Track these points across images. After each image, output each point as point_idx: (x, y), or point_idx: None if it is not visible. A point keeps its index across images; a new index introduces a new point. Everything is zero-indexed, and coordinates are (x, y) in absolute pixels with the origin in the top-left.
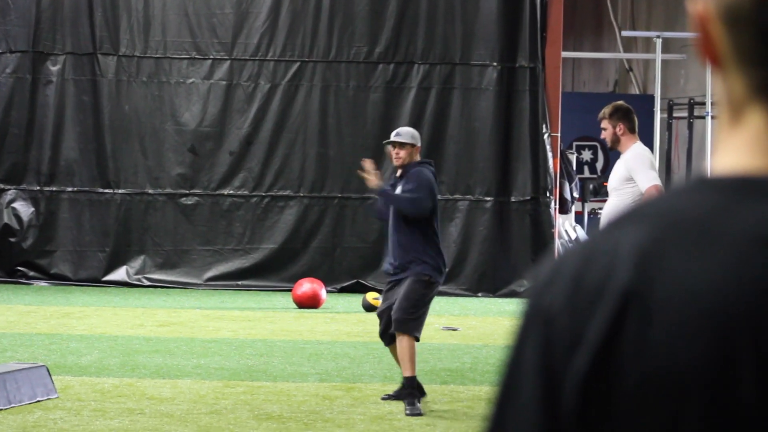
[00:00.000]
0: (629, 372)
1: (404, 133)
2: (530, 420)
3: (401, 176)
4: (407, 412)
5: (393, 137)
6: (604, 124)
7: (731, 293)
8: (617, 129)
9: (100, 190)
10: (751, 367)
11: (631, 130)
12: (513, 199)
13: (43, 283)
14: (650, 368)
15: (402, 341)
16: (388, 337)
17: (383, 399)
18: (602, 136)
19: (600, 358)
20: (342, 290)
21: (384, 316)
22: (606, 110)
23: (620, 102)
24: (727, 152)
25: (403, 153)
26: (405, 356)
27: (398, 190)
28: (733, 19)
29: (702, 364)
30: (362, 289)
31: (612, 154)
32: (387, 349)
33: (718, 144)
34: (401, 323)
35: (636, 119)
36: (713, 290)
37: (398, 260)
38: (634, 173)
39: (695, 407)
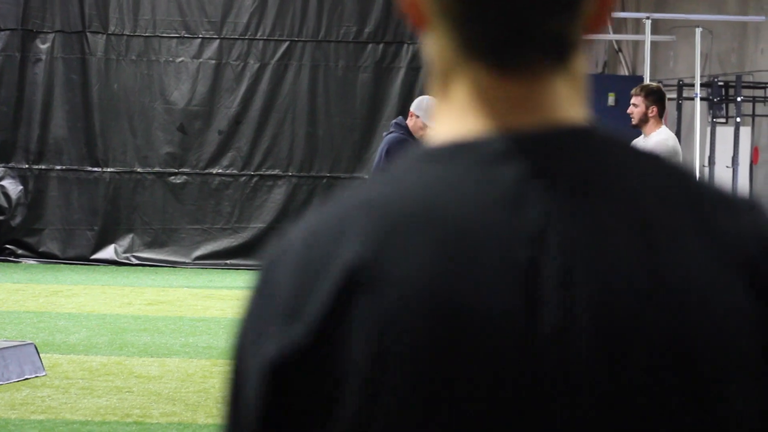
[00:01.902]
0: (356, 349)
1: None
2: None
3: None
4: None
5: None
6: (637, 101)
7: (452, 270)
8: (649, 111)
9: (89, 168)
10: (466, 347)
11: (661, 116)
12: None
13: (31, 261)
14: (378, 345)
15: None
16: None
17: None
18: (629, 111)
19: (320, 334)
20: None
21: None
22: (643, 89)
23: (658, 85)
24: (442, 120)
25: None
26: None
27: None
28: None
29: (424, 344)
30: None
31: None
32: None
33: (436, 113)
34: None
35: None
36: (436, 266)
37: None
38: None
39: (423, 385)
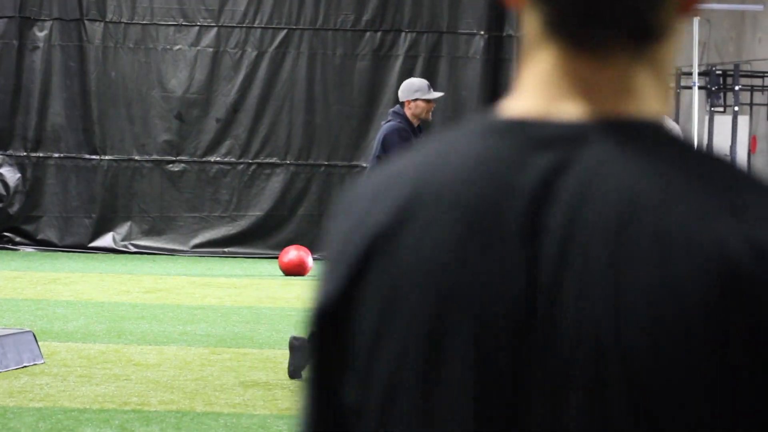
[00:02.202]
0: (369, 307)
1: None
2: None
3: (418, 131)
4: None
5: (437, 94)
6: None
7: (460, 256)
8: None
9: (87, 156)
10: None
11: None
12: None
13: (29, 249)
14: (386, 304)
15: None
16: None
17: None
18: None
19: (345, 291)
20: None
21: None
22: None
23: None
24: (516, 95)
25: None
26: None
27: None
28: None
29: (423, 308)
30: None
31: None
32: None
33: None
34: None
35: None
36: (447, 245)
37: None
38: None
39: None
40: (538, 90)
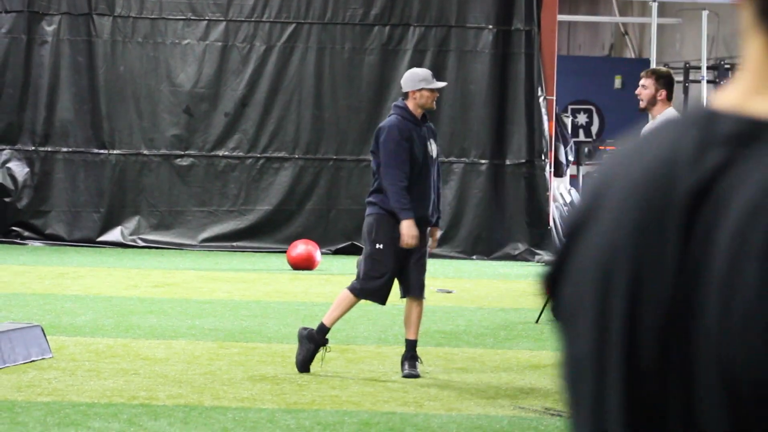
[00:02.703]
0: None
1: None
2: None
3: (423, 121)
4: (410, 372)
5: (440, 84)
6: (647, 83)
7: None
8: (658, 94)
9: (95, 150)
10: None
11: (669, 99)
12: (508, 162)
13: (37, 244)
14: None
15: (421, 304)
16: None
17: (405, 376)
18: (637, 92)
19: (559, 263)
20: (337, 252)
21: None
22: (653, 72)
23: (668, 69)
24: (734, 82)
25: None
26: (420, 319)
27: (433, 145)
28: None
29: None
30: (357, 251)
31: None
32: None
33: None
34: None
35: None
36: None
37: (435, 214)
38: None
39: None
40: (743, 81)
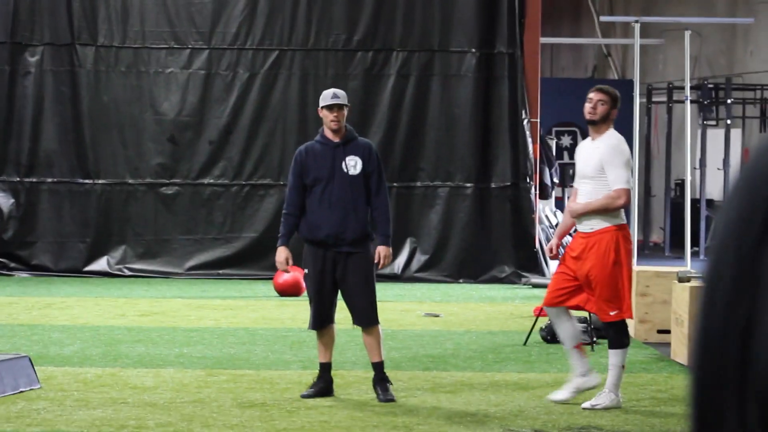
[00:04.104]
0: None
1: (342, 95)
2: None
3: (344, 142)
4: (386, 397)
5: (332, 100)
6: (604, 99)
7: None
8: (611, 114)
9: (80, 180)
10: None
11: (613, 121)
12: (493, 185)
13: (24, 274)
14: None
15: (371, 331)
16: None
17: (304, 396)
18: (592, 107)
19: None
20: None
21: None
22: (608, 91)
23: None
24: None
25: (343, 115)
26: (379, 342)
27: (351, 162)
28: None
29: None
30: None
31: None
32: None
33: None
34: (375, 314)
35: None
36: None
37: (350, 232)
38: (610, 166)
39: None
40: None
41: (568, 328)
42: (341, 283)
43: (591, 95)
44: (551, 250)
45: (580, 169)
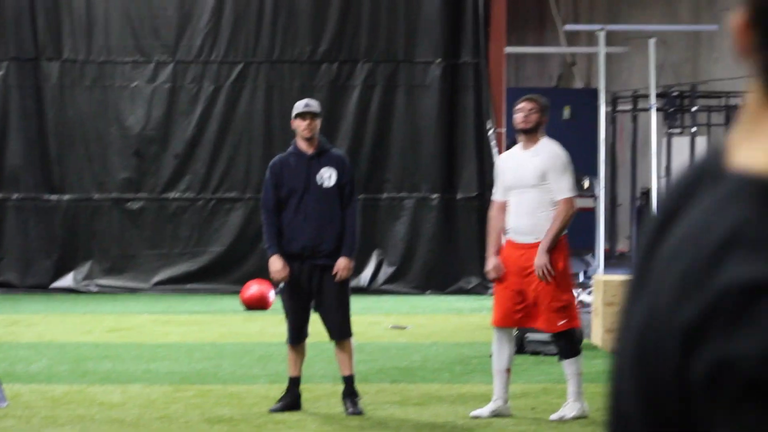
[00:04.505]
0: None
1: (315, 104)
2: None
3: (318, 154)
4: (354, 411)
5: (304, 108)
6: (535, 108)
7: None
8: (543, 121)
9: (46, 196)
10: None
11: (544, 129)
12: (459, 196)
13: None
14: None
15: (344, 345)
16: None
17: (272, 411)
18: (524, 116)
19: None
20: None
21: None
22: (539, 100)
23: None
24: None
25: (316, 124)
26: (351, 355)
27: (326, 173)
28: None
29: None
30: None
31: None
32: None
33: (744, 134)
34: (349, 327)
35: None
36: None
37: (326, 244)
38: (555, 174)
39: None
40: (738, 128)
41: (508, 350)
42: (317, 295)
43: (521, 105)
44: (498, 271)
45: (512, 180)
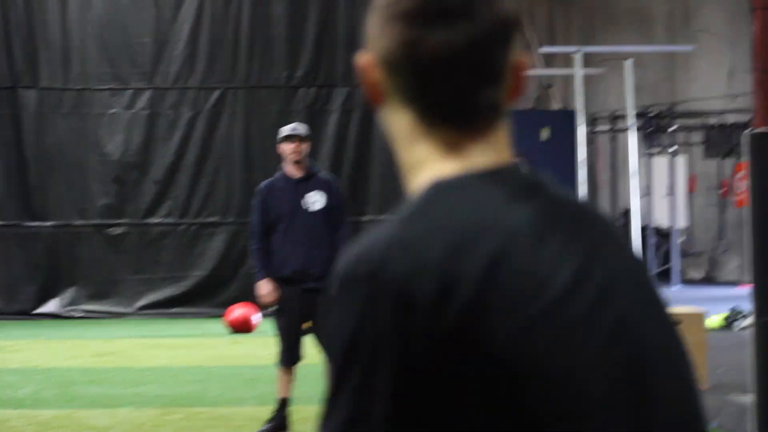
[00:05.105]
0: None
1: (302, 127)
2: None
3: (306, 178)
4: None
5: (291, 131)
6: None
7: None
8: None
9: (28, 223)
10: None
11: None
12: None
13: None
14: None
15: None
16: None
17: None
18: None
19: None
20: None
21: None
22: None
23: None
24: (421, 168)
25: (304, 148)
26: None
27: (314, 197)
28: (390, 66)
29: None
30: None
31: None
32: (323, 371)
33: (415, 166)
34: None
35: None
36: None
37: (316, 267)
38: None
39: None
40: (442, 160)
41: None
42: (309, 318)
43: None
44: None
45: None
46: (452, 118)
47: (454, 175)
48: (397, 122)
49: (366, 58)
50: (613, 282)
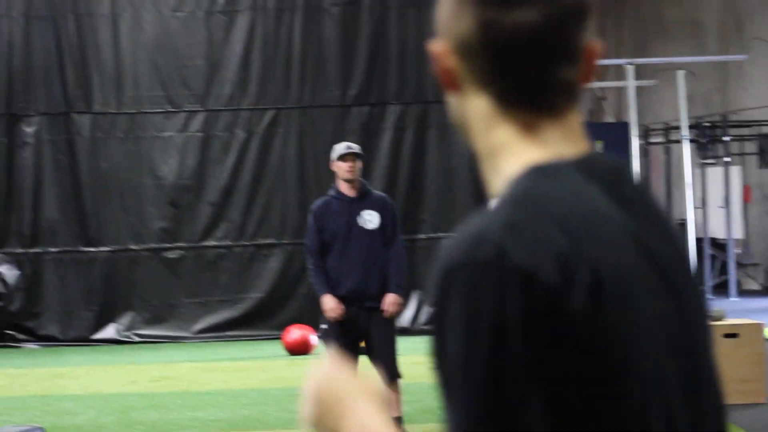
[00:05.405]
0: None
1: (356, 146)
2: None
3: (360, 197)
4: None
5: (346, 150)
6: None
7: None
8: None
9: (83, 248)
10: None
11: None
12: None
13: (32, 345)
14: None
15: (393, 386)
16: None
17: None
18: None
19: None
20: None
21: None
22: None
23: None
24: (520, 154)
25: (357, 166)
26: (399, 397)
27: (368, 216)
28: (466, 49)
29: None
30: None
31: None
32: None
33: (495, 150)
34: (397, 369)
35: None
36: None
37: (372, 287)
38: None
39: None
40: (525, 146)
41: None
42: (364, 338)
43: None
44: None
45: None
46: (530, 99)
47: (549, 161)
48: (473, 108)
49: (439, 45)
50: (672, 270)
